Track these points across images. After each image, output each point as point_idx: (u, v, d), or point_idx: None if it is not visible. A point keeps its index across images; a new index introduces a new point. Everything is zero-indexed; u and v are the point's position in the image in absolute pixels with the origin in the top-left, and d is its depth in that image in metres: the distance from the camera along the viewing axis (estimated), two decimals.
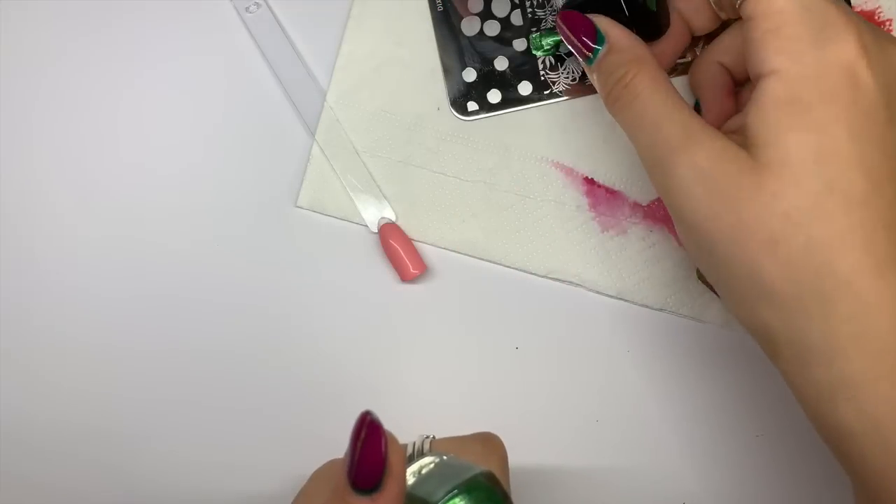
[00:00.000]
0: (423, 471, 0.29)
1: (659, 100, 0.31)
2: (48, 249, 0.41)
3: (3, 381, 0.41)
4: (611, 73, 0.32)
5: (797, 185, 0.28)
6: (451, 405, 0.40)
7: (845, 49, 0.29)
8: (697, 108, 0.38)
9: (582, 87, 0.40)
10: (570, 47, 0.34)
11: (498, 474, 0.29)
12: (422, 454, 0.30)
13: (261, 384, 0.41)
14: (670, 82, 0.32)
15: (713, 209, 0.29)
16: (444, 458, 0.30)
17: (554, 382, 0.41)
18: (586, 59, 0.33)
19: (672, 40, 0.36)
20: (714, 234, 0.29)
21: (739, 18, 0.32)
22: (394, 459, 0.25)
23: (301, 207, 0.41)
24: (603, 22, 0.33)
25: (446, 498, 0.27)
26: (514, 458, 0.35)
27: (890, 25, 0.40)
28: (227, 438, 0.41)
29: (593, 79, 0.34)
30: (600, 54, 0.33)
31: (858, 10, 0.40)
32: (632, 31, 0.33)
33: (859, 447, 0.29)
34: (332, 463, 0.34)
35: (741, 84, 0.37)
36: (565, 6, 0.35)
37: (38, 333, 0.41)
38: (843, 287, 0.28)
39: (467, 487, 0.27)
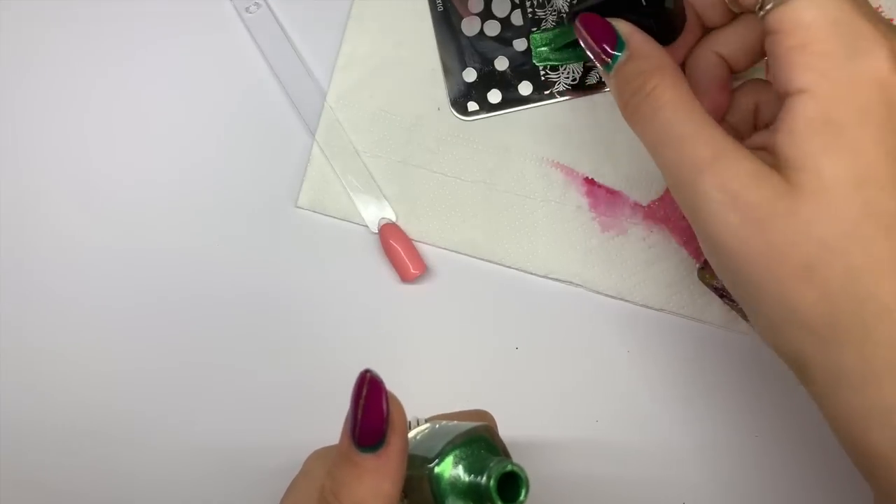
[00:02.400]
0: (419, 436, 0.29)
1: (684, 113, 0.30)
2: (48, 249, 0.41)
3: (5, 380, 0.41)
4: (630, 81, 0.31)
5: (834, 210, 0.27)
6: (451, 405, 0.40)
7: (877, 65, 0.28)
8: None
9: (582, 87, 0.40)
10: (587, 52, 0.33)
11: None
12: (417, 426, 0.31)
13: (260, 384, 0.41)
14: (693, 94, 0.30)
15: (745, 234, 0.28)
16: (439, 423, 0.30)
17: (554, 383, 0.41)
18: (605, 65, 0.32)
19: (685, 37, 0.35)
20: (745, 259, 0.28)
21: (752, 13, 0.31)
22: (396, 414, 0.26)
23: (301, 208, 0.41)
24: (623, 27, 0.32)
25: (446, 451, 0.27)
26: (514, 458, 0.35)
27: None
28: (225, 438, 0.41)
29: (611, 86, 0.33)
30: (620, 61, 0.31)
31: None
32: (652, 36, 0.32)
33: (893, 472, 0.28)
34: (327, 447, 0.34)
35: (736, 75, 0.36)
36: (580, 8, 0.34)
37: (38, 332, 0.41)
38: (884, 313, 0.27)
39: (466, 440, 0.27)
